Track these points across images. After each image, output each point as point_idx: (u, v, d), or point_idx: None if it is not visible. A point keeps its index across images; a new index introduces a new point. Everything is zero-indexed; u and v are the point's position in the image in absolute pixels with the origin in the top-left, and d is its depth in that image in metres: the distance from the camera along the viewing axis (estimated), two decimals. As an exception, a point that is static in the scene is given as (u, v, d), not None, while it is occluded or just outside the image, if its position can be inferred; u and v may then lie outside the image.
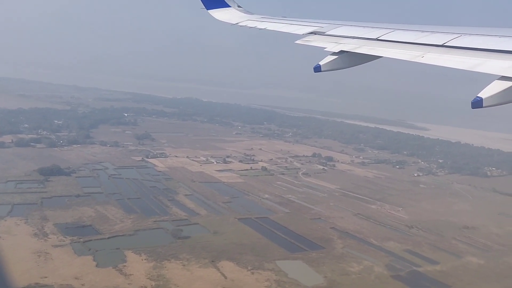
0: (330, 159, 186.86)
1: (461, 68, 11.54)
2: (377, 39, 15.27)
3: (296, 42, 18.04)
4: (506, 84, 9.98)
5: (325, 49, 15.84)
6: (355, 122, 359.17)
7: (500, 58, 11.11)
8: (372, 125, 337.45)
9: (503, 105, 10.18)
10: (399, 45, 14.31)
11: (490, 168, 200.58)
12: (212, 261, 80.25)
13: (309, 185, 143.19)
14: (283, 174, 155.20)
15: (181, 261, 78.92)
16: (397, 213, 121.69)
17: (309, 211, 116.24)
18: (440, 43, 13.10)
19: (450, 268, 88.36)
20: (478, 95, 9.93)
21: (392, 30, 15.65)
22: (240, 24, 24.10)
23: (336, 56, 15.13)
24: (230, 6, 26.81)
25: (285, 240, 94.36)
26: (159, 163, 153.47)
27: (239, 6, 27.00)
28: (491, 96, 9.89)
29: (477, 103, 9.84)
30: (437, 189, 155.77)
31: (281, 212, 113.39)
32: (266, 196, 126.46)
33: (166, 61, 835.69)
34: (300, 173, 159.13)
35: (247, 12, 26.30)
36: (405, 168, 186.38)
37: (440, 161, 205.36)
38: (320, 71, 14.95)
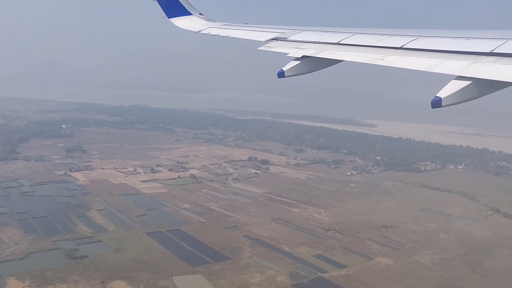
0: (265, 162, 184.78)
1: (419, 69, 11.85)
2: (338, 43, 15.48)
3: (259, 48, 18.02)
4: (462, 84, 10.37)
5: (287, 55, 15.91)
6: (303, 122, 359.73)
7: (456, 58, 11.51)
8: (320, 125, 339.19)
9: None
10: (360, 49, 14.59)
11: (425, 162, 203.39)
12: (103, 282, 75.90)
13: (236, 191, 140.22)
14: (211, 181, 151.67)
15: (68, 285, 74.21)
16: (318, 216, 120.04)
17: (226, 219, 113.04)
18: (399, 46, 13.40)
19: (357, 271, 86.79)
20: (437, 95, 10.23)
21: (352, 34, 15.86)
22: (203, 32, 24.12)
23: (299, 61, 15.24)
24: (192, 14, 26.51)
25: (190, 253, 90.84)
26: (81, 177, 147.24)
27: (200, 14, 26.70)
28: (449, 96, 10.25)
29: (437, 103, 10.17)
30: (367, 187, 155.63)
31: (196, 223, 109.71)
32: (186, 206, 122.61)
33: (124, 69, 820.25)
34: (230, 179, 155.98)
35: (209, 19, 26.09)
36: (340, 167, 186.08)
37: (378, 158, 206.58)
38: (284, 76, 15.05)
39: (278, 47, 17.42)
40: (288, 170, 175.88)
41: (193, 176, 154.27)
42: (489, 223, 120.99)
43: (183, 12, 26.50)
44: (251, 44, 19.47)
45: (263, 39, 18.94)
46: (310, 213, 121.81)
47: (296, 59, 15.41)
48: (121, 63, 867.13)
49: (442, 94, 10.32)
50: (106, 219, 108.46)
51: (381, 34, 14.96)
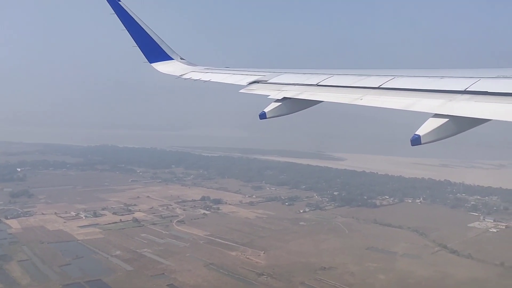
0: (218, 201, 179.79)
1: (397, 108, 12.13)
2: (317, 85, 15.81)
3: (241, 91, 18.47)
4: (440, 121, 10.60)
5: (268, 97, 16.23)
6: (271, 157, 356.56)
7: (432, 97, 11.84)
8: (286, 160, 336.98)
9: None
10: (339, 89, 14.94)
11: (384, 197, 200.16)
12: None
13: (176, 235, 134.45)
14: (154, 224, 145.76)
15: None
16: (256, 259, 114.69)
17: (155, 267, 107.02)
18: (376, 86, 13.68)
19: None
20: (416, 133, 10.43)
21: (330, 75, 16.23)
22: (184, 76, 24.12)
23: (280, 103, 15.56)
24: (173, 59, 26.48)
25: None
26: (16, 224, 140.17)
27: (182, 58, 26.71)
28: (428, 133, 10.42)
29: (416, 141, 10.34)
30: (316, 225, 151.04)
31: (122, 271, 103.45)
32: (117, 252, 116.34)
33: (99, 108, 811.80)
34: (175, 221, 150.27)
35: (190, 63, 26.12)
36: (295, 204, 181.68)
37: (336, 193, 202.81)
38: (266, 117, 15.34)
39: (259, 90, 17.79)
40: (240, 209, 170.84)
41: (135, 220, 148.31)
42: (433, 261, 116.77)
43: (164, 57, 26.47)
44: (232, 87, 19.79)
45: (244, 82, 19.21)
46: (247, 256, 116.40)
47: (277, 100, 15.73)
48: (96, 102, 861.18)
49: (421, 132, 10.46)
50: (24, 271, 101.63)
51: (358, 75, 15.33)
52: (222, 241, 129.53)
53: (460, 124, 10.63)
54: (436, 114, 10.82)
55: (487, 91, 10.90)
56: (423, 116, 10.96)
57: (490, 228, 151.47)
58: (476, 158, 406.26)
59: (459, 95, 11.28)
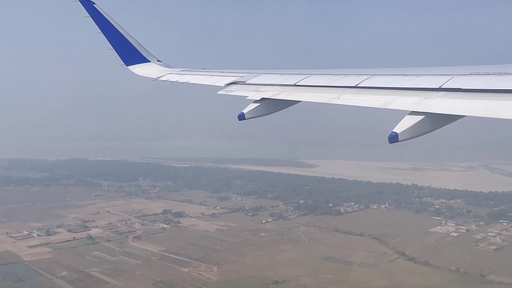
0: (179, 214, 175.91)
1: (374, 106, 12.22)
2: (295, 85, 15.89)
3: (218, 92, 18.38)
4: (416, 118, 10.76)
5: (247, 98, 16.28)
6: (243, 166, 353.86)
7: (408, 95, 11.89)
8: (258, 168, 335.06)
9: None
10: (316, 89, 15.10)
11: (349, 203, 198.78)
12: None
13: (130, 252, 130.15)
14: (109, 241, 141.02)
15: None
16: (208, 274, 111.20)
17: (101, 287, 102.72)
18: (353, 85, 13.82)
19: None
20: (393, 130, 10.57)
21: (308, 75, 16.34)
22: (161, 78, 24.00)
23: (258, 104, 15.54)
24: (150, 61, 26.36)
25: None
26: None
27: (158, 60, 26.53)
28: (405, 130, 10.60)
29: (393, 138, 10.49)
30: (277, 236, 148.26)
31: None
32: (64, 273, 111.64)
33: (71, 120, 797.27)
34: (131, 237, 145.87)
35: (167, 66, 26.03)
36: (258, 214, 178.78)
37: (301, 201, 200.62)
38: (244, 118, 15.40)
39: (237, 91, 17.75)
40: (201, 222, 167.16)
41: (90, 237, 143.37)
42: (389, 269, 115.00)
43: (141, 59, 26.25)
44: (210, 89, 19.59)
45: (222, 83, 19.09)
46: (199, 272, 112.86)
47: (255, 101, 15.73)
48: (68, 114, 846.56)
49: (398, 129, 10.63)
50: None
51: (336, 74, 15.47)
52: (176, 256, 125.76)
53: (435, 121, 10.84)
54: (412, 111, 11.00)
55: (460, 88, 11.14)
56: (400, 114, 11.16)
57: (451, 233, 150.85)
58: (446, 160, 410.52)
59: (434, 93, 11.51)
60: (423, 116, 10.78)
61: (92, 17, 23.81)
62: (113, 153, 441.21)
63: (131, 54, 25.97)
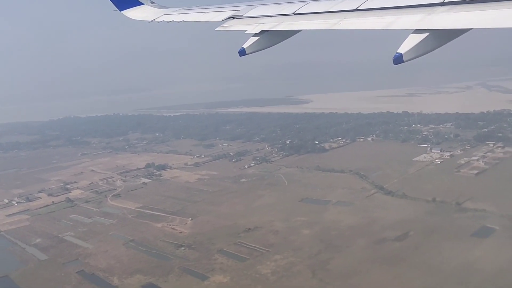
0: (162, 167, 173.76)
1: (376, 28, 11.95)
2: (294, 14, 15.41)
3: (216, 29, 17.84)
4: (420, 37, 10.53)
5: (246, 32, 15.80)
6: (235, 109, 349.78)
7: (411, 13, 11.54)
8: (250, 110, 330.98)
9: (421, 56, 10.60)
10: (316, 16, 14.58)
11: (336, 138, 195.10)
12: None
13: (107, 211, 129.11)
14: (87, 202, 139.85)
15: None
16: (181, 228, 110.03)
17: (72, 252, 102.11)
18: (354, 8, 13.35)
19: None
20: (397, 51, 10.40)
21: (307, 2, 15.72)
22: (157, 20, 23.45)
23: (258, 37, 15.16)
24: (143, 3, 25.78)
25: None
26: None
27: (152, 2, 25.84)
28: (409, 50, 10.38)
29: (398, 59, 10.33)
30: (257, 181, 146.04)
31: (34, 263, 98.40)
32: (37, 240, 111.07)
33: (69, 77, 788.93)
34: (110, 195, 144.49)
35: (161, 6, 25.45)
36: (242, 160, 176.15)
37: (287, 142, 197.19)
38: (245, 54, 15.07)
39: (235, 26, 17.38)
40: (183, 173, 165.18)
41: (69, 200, 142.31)
42: (365, 206, 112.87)
43: (134, 2, 25.56)
44: (207, 25, 19.09)
45: (219, 19, 18.58)
46: (173, 227, 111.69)
47: (255, 35, 15.31)
48: (63, 70, 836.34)
49: (402, 49, 10.40)
50: None
51: None
52: (153, 212, 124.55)
53: (440, 37, 10.63)
54: (416, 30, 10.81)
55: (466, 0, 10.66)
56: (404, 34, 10.92)
57: (435, 160, 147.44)
58: (444, 82, 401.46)
59: (438, 8, 11.17)
60: (427, 34, 10.53)
61: None
62: (107, 107, 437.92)
63: None
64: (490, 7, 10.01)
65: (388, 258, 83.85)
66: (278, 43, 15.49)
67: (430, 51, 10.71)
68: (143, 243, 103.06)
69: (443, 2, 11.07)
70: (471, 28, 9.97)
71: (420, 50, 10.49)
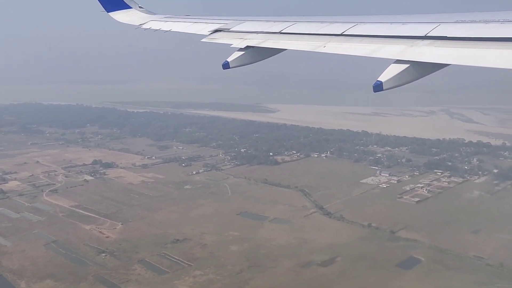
0: (109, 165, 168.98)
1: (360, 54, 12.29)
2: (280, 33, 15.65)
3: (202, 40, 18.11)
4: (401, 67, 10.80)
5: (231, 46, 15.90)
6: (202, 111, 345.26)
7: (394, 43, 11.94)
8: (217, 113, 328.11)
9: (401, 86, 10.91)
10: (302, 37, 14.91)
11: (291, 152, 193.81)
12: None
13: (38, 207, 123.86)
14: (21, 195, 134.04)
15: None
16: (109, 233, 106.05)
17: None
18: (339, 33, 13.79)
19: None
20: (378, 79, 10.68)
21: (294, 22, 16.10)
22: (144, 26, 23.53)
23: (243, 52, 15.34)
24: (131, 7, 25.67)
25: None
26: None
27: (140, 7, 25.80)
28: (390, 79, 10.66)
29: (378, 87, 10.57)
30: (201, 188, 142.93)
31: None
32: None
33: (42, 63, 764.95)
34: (47, 190, 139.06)
35: (149, 12, 25.40)
36: (192, 165, 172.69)
37: (242, 150, 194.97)
38: (229, 67, 15.25)
39: (221, 38, 17.50)
40: (129, 174, 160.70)
41: (1, 191, 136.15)
42: (300, 225, 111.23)
43: (122, 5, 25.45)
44: (193, 36, 19.36)
45: (206, 31, 18.82)
46: (101, 230, 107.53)
47: (240, 49, 15.45)
48: (35, 58, 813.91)
49: (383, 78, 10.65)
50: None
51: (321, 22, 15.24)
52: (86, 212, 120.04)
53: (421, 70, 10.85)
54: (397, 60, 11.01)
55: (446, 36, 11.11)
56: (385, 62, 11.18)
57: (381, 184, 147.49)
58: (411, 104, 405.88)
59: (420, 41, 11.48)
60: (408, 65, 10.75)
61: None
62: (74, 97, 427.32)
63: (112, 0, 25.10)
64: (468, 45, 10.36)
65: (309, 284, 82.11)
66: (262, 59, 15.71)
67: (410, 82, 10.90)
68: (65, 246, 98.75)
69: (425, 36, 11.47)
70: (450, 64, 10.33)
71: (400, 80, 10.67)
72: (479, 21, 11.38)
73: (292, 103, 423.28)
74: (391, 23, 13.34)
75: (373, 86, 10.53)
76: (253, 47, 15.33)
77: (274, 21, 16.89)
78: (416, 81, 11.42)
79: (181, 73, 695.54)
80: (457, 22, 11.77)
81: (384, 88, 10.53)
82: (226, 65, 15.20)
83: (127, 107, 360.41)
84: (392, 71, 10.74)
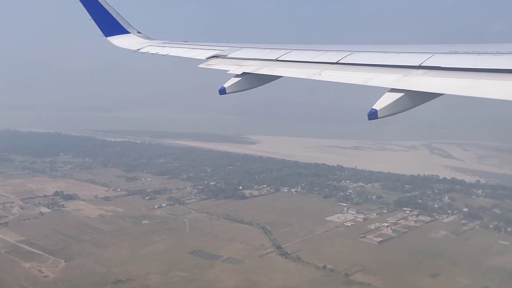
0: (70, 197, 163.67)
1: (355, 83, 12.52)
2: (276, 60, 15.98)
3: (199, 66, 18.37)
4: (396, 96, 10.98)
5: (228, 72, 16.29)
6: (180, 142, 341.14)
7: (389, 72, 12.24)
8: (195, 144, 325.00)
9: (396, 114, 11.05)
10: (298, 64, 15.24)
11: (262, 186, 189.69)
12: None
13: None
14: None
15: None
16: (49, 271, 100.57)
17: None
18: (335, 61, 14.06)
19: None
20: (372, 107, 10.83)
21: (290, 50, 16.43)
22: (142, 50, 23.78)
23: (240, 78, 15.63)
24: (130, 32, 26.14)
25: None
26: None
27: (139, 32, 26.32)
28: (385, 107, 10.80)
29: (373, 115, 10.72)
30: (159, 224, 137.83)
31: None
32: None
33: (37, 89, 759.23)
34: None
35: (147, 37, 25.87)
36: (157, 198, 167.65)
37: (212, 183, 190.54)
38: (225, 93, 15.46)
39: (218, 65, 17.72)
40: (88, 206, 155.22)
41: None
42: (253, 266, 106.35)
43: (120, 30, 25.91)
44: (191, 61, 19.42)
45: (203, 57, 19.03)
46: (41, 268, 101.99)
47: (237, 75, 15.77)
48: (23, 83, 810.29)
49: (378, 106, 10.79)
50: None
51: (317, 50, 15.56)
52: (30, 248, 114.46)
53: (415, 99, 11.01)
54: (392, 88, 11.21)
55: (440, 66, 11.39)
56: (380, 91, 11.34)
57: (347, 222, 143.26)
58: (394, 138, 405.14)
59: (414, 70, 11.71)
60: (403, 94, 10.92)
61: None
62: (55, 124, 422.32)
63: (110, 25, 25.25)
64: (461, 76, 10.60)
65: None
66: (259, 86, 15.83)
67: (405, 110, 11.01)
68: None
69: (419, 65, 11.73)
70: (444, 93, 10.57)
71: (395, 108, 10.81)
72: (472, 52, 11.61)
73: (274, 135, 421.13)
74: (386, 52, 13.54)
75: (368, 114, 10.63)
76: (249, 73, 15.53)
77: (271, 49, 17.20)
78: (408, 113, 11.45)
79: (171, 101, 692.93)
80: (450, 52, 12.03)
81: (379, 116, 10.63)
82: (222, 91, 15.36)
83: (107, 136, 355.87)
84: (387, 99, 10.86)
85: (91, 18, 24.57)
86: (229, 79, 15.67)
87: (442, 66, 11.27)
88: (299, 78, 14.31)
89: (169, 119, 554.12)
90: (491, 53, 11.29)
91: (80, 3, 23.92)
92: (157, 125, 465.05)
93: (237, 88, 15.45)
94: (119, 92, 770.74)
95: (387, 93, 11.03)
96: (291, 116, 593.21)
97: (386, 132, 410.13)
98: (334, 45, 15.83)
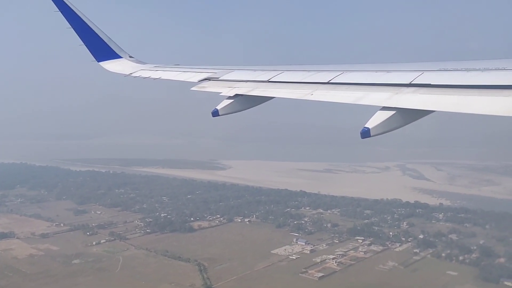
0: (5, 235, 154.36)
1: (346, 102, 12.45)
2: (268, 81, 16.03)
3: (192, 89, 18.30)
4: (387, 114, 10.94)
5: (220, 94, 16.24)
6: (148, 169, 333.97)
7: (379, 90, 12.19)
8: (163, 172, 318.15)
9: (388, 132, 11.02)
10: (290, 85, 15.24)
11: (215, 216, 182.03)
12: None
13: None
14: None
15: None
16: None
17: None
18: (326, 81, 14.09)
19: None
20: (365, 126, 10.76)
21: (281, 71, 16.49)
22: (134, 74, 23.61)
23: (232, 100, 15.60)
24: (122, 57, 25.92)
25: None
26: None
27: (130, 56, 26.20)
28: (377, 126, 10.77)
29: (365, 133, 10.65)
30: (91, 263, 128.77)
31: None
32: None
33: (12, 116, 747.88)
34: None
35: (139, 62, 25.70)
36: (98, 233, 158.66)
37: (163, 215, 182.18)
38: (218, 115, 15.35)
39: (210, 87, 17.71)
40: (21, 245, 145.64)
41: None
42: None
43: (112, 55, 25.82)
44: (183, 84, 19.45)
45: (195, 79, 19.03)
46: None
47: (229, 97, 15.72)
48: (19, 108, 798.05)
49: (370, 124, 10.78)
50: None
51: (308, 71, 15.70)
52: None
53: (406, 116, 11.02)
54: (384, 107, 11.19)
55: (430, 84, 11.49)
56: (371, 110, 11.30)
57: (292, 255, 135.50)
58: (370, 160, 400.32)
59: (405, 88, 11.77)
60: (394, 112, 10.92)
61: (61, 12, 23.12)
62: (22, 154, 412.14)
63: (102, 50, 25.19)
64: (451, 93, 10.73)
65: None
66: (251, 107, 15.78)
67: (397, 128, 11.01)
68: None
69: (409, 83, 11.81)
70: (434, 110, 10.55)
71: (387, 126, 10.82)
72: (461, 69, 11.74)
73: (250, 159, 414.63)
74: (376, 71, 13.59)
75: (360, 133, 10.61)
76: (242, 95, 15.59)
77: (263, 70, 17.28)
78: (393, 132, 11.22)
79: (160, 126, 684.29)
80: (440, 70, 12.13)
81: (371, 135, 10.62)
82: (215, 113, 15.30)
83: (74, 165, 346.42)
84: (379, 117, 10.87)
85: (82, 43, 24.43)
86: (222, 101, 15.69)
87: (432, 83, 11.39)
88: (291, 98, 14.35)
89: (149, 145, 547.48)
90: (479, 69, 11.35)
91: (72, 29, 23.82)
92: (133, 151, 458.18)
93: (230, 110, 15.43)
94: (108, 118, 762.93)
95: (379, 111, 11.04)
96: (277, 138, 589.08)
97: (365, 153, 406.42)
98: (325, 65, 15.89)
